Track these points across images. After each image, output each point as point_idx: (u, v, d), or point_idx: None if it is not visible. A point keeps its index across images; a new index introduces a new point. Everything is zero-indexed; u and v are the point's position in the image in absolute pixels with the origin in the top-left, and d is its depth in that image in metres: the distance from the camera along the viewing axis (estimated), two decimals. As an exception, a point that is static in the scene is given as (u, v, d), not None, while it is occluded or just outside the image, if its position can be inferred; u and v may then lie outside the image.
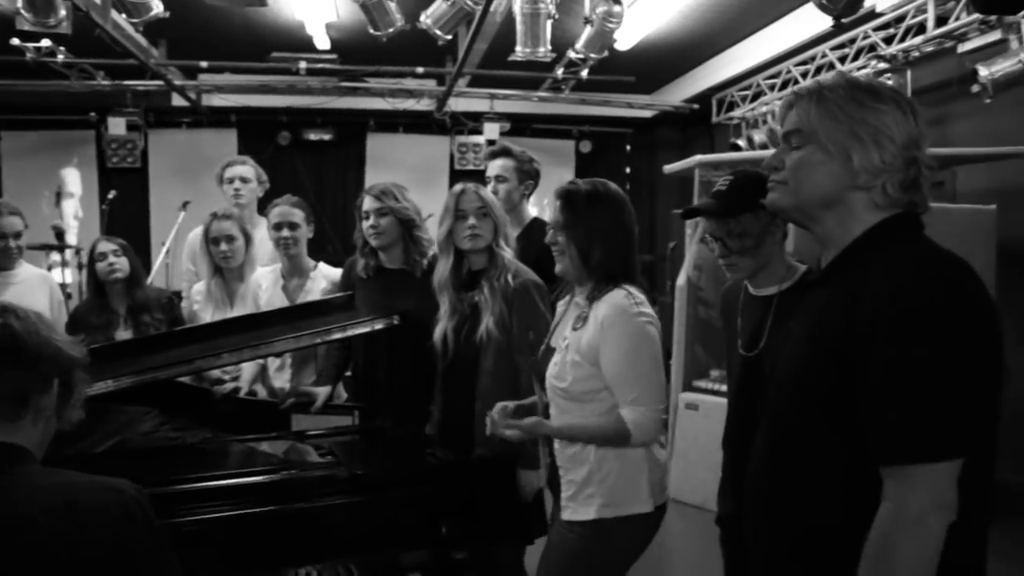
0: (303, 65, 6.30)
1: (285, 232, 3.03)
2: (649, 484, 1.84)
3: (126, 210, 6.81)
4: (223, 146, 7.17)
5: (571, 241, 1.88)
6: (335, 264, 3.13)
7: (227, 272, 3.20)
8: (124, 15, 3.95)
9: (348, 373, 2.92)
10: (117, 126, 6.94)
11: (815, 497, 1.21)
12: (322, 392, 2.67)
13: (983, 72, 4.31)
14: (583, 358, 1.83)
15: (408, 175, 6.48)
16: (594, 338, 1.81)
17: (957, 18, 4.63)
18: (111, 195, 5.83)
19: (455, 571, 2.02)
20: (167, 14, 3.82)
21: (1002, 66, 4.28)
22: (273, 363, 3.08)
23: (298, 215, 3.05)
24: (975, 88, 4.37)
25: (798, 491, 1.23)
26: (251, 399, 2.85)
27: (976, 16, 4.47)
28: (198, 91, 7.00)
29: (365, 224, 2.65)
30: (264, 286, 3.12)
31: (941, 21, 4.71)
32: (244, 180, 3.63)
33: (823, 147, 1.22)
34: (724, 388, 4.37)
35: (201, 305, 3.21)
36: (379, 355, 2.67)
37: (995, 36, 4.53)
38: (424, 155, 7.56)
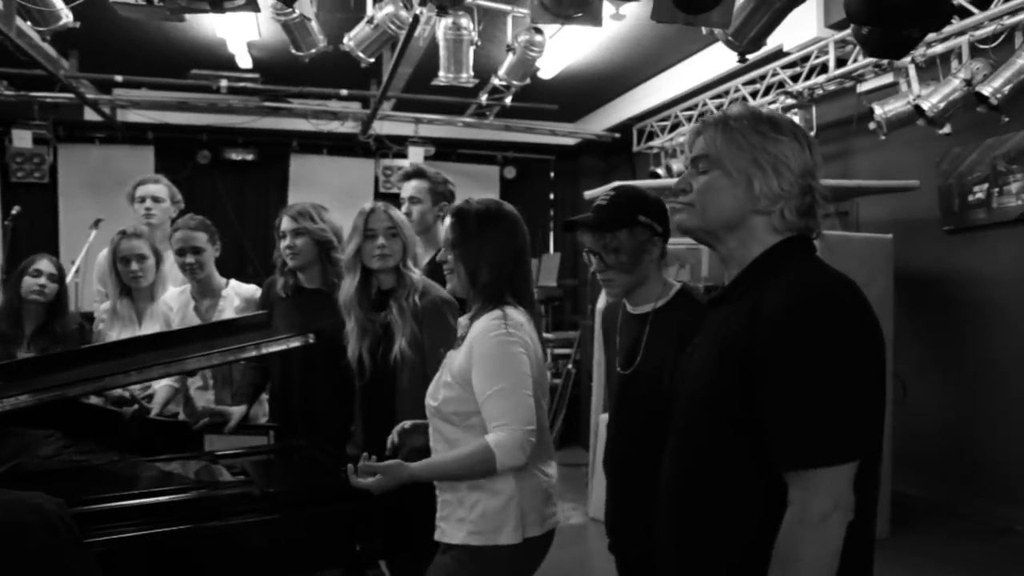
0: (224, 83, 6.21)
1: (189, 258, 2.96)
2: (518, 515, 1.78)
3: (32, 227, 6.54)
4: (139, 163, 6.96)
5: (459, 260, 1.88)
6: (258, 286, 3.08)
7: (136, 292, 3.12)
8: (30, 23, 3.79)
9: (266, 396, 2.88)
10: (22, 139, 6.67)
11: (729, 510, 1.24)
12: (236, 412, 2.63)
13: (878, 111, 4.61)
14: (454, 379, 1.82)
15: (332, 197, 6.42)
16: (466, 360, 1.80)
17: (855, 60, 4.96)
18: (15, 211, 5.57)
19: (369, 589, 2.01)
20: (77, 24, 3.70)
21: (894, 106, 4.59)
22: (194, 383, 3.00)
23: (200, 238, 2.98)
24: (872, 125, 4.67)
25: (712, 505, 1.26)
26: (162, 419, 2.77)
27: (871, 59, 4.80)
28: (112, 106, 6.81)
29: (282, 244, 2.65)
30: (175, 308, 3.05)
31: (841, 62, 5.03)
32: (156, 199, 3.54)
33: (727, 173, 1.29)
34: None
35: (107, 324, 3.11)
36: (295, 374, 2.66)
37: (888, 79, 4.87)
38: (348, 177, 7.53)
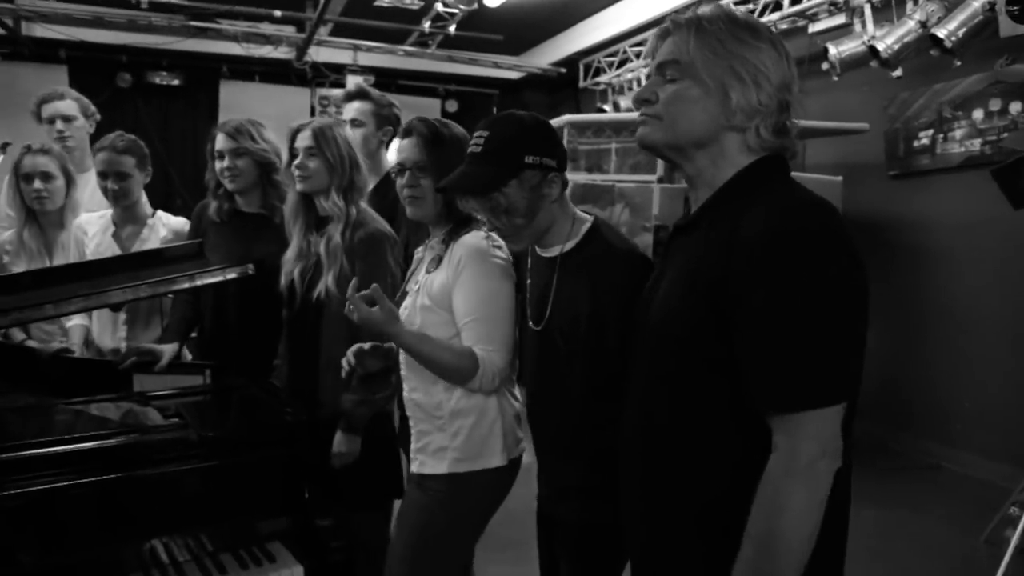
0: (145, -3, 5.74)
1: (112, 183, 2.66)
2: (503, 437, 1.78)
3: (-72, 151, 5.98)
4: (52, 84, 6.39)
5: (437, 182, 1.74)
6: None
7: (43, 218, 2.78)
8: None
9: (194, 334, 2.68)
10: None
11: (702, 455, 1.16)
12: (168, 349, 2.41)
13: (832, 51, 4.54)
14: (433, 301, 1.75)
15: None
16: (448, 279, 1.73)
17: (809, -2, 4.87)
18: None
19: (319, 539, 1.87)
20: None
21: (848, 47, 4.53)
22: (100, 319, 2.74)
23: (127, 163, 2.68)
24: (825, 66, 4.61)
25: (684, 450, 1.18)
26: (84, 359, 2.54)
27: (827, -3, 4.73)
28: (16, 17, 6.19)
29: (218, 165, 2.45)
30: (91, 233, 2.75)
31: (795, 0, 4.92)
32: (67, 119, 3.16)
33: (701, 82, 1.17)
34: None
35: (11, 258, 2.78)
36: (232, 308, 2.49)
37: (841, 19, 4.81)
38: (282, 107, 7.17)
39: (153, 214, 2.82)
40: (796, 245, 1.05)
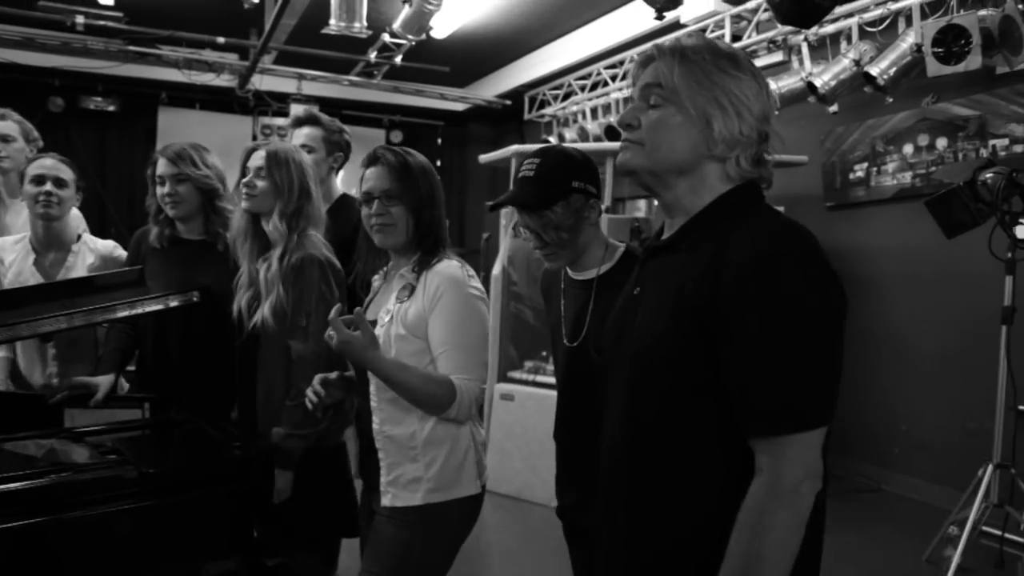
0: (80, 20, 5.53)
1: (49, 187, 2.50)
2: (476, 464, 1.81)
3: None
4: (-23, 107, 6.13)
5: (407, 209, 1.79)
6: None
7: None
8: None
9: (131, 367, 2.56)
10: None
11: (687, 477, 1.15)
12: (104, 382, 2.28)
13: (772, 86, 4.66)
14: (408, 330, 1.75)
15: (205, 153, 5.95)
16: (424, 308, 1.75)
17: (749, 36, 5.01)
18: None
19: (267, 580, 1.76)
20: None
21: (787, 82, 4.68)
22: (27, 351, 2.57)
23: (67, 173, 2.57)
24: (764, 99, 4.73)
25: (668, 473, 1.16)
26: (10, 392, 2.40)
27: (765, 36, 4.86)
28: (-59, 37, 5.94)
29: (159, 191, 2.39)
30: (7, 260, 2.58)
31: (736, 38, 5.06)
32: (5, 139, 3.00)
33: (684, 109, 1.17)
34: (538, 379, 4.47)
35: None
36: (174, 337, 2.39)
37: (779, 56, 4.98)
38: (223, 135, 6.99)
39: (78, 238, 2.67)
40: (785, 269, 1.07)
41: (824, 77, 4.40)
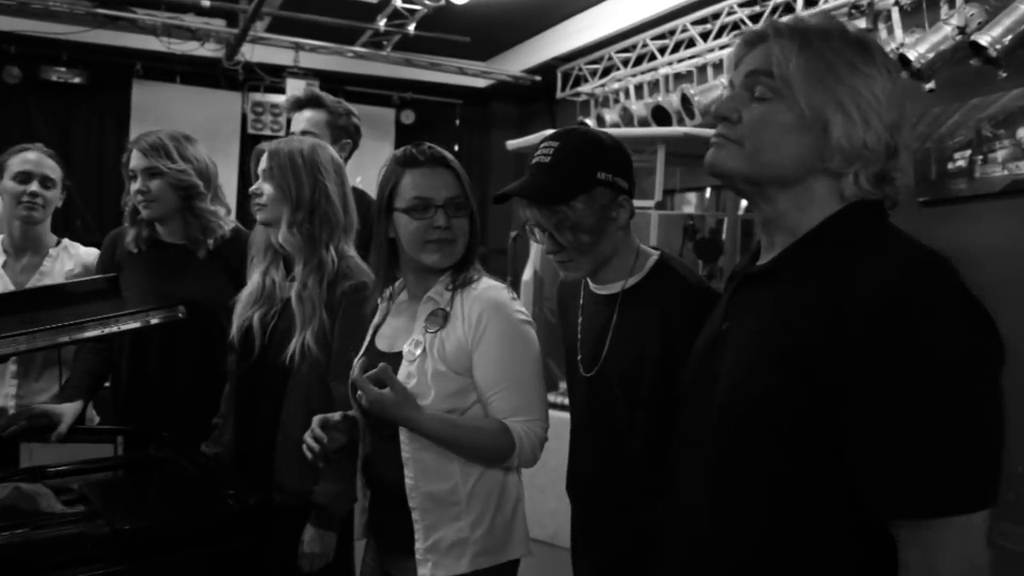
0: (42, -21, 5.54)
1: (35, 187, 2.60)
2: (525, 522, 1.85)
3: None
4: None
5: (469, 220, 1.83)
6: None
7: None
8: None
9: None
10: None
11: (807, 566, 1.09)
12: (69, 411, 2.26)
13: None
14: (449, 367, 1.74)
15: (186, 136, 5.95)
16: (466, 339, 1.75)
17: (826, 0, 4.86)
18: None
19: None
20: None
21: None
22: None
23: (55, 170, 2.68)
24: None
25: (780, 557, 1.11)
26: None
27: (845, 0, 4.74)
28: None
29: (132, 187, 2.45)
30: None
31: (810, 2, 4.92)
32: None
33: (796, 108, 1.13)
34: None
35: None
36: (153, 358, 2.44)
37: (863, 23, 4.82)
38: (208, 114, 7.05)
39: (58, 243, 2.75)
40: (928, 313, 1.01)
41: (920, 48, 4.27)
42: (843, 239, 1.12)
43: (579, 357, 1.76)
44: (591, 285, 1.78)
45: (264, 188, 2.14)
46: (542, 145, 1.67)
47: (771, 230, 1.21)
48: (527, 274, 4.74)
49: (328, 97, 2.98)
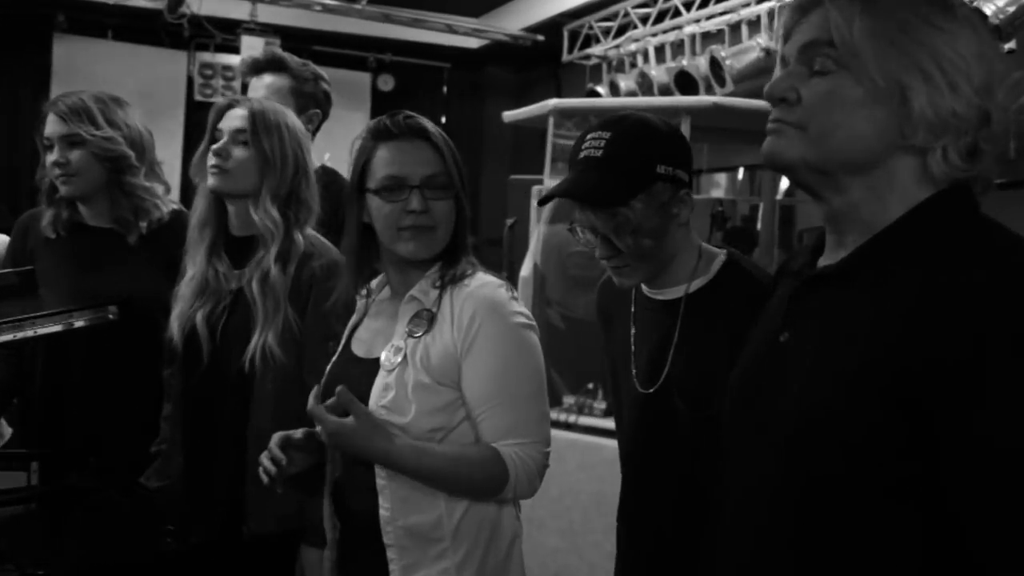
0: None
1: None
2: (521, 563, 1.84)
3: None
4: None
5: (453, 204, 1.81)
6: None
7: None
8: None
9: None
10: None
11: None
12: None
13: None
14: (434, 378, 1.74)
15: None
16: (454, 347, 1.75)
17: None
18: None
19: None
20: None
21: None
22: None
23: None
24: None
25: None
26: None
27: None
28: None
29: (49, 159, 2.44)
30: None
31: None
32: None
33: (866, 79, 1.13)
34: (583, 421, 4.42)
35: None
36: (76, 369, 2.42)
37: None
38: (147, 76, 7.08)
39: None
40: None
41: (998, 2, 4.27)
42: (932, 236, 1.13)
43: (634, 371, 1.81)
44: (645, 290, 1.83)
45: (235, 152, 2.15)
46: (589, 137, 1.73)
47: (841, 225, 1.21)
48: (526, 269, 4.75)
49: (292, 59, 3.01)
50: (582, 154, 1.72)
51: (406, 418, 1.73)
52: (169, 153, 2.35)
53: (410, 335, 1.78)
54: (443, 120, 8.24)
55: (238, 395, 2.14)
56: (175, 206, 2.57)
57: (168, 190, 2.59)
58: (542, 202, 1.90)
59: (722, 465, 1.33)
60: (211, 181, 2.17)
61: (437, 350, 1.75)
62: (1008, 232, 1.12)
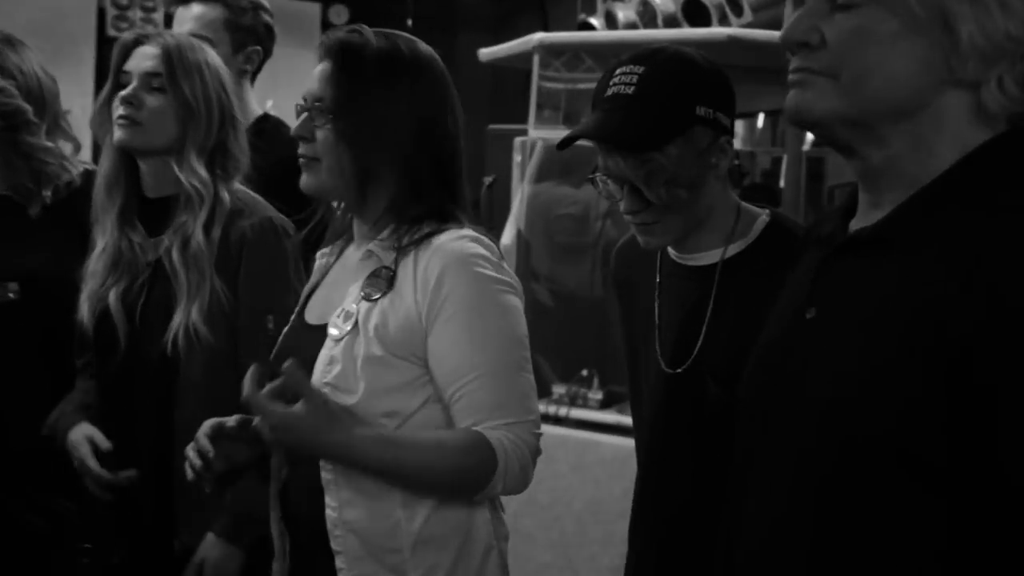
0: None
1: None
2: (501, 568, 1.83)
3: None
4: None
5: (343, 139, 1.77)
6: None
7: None
8: None
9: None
10: None
11: None
12: None
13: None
14: (389, 349, 1.72)
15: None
16: (418, 310, 1.72)
17: None
18: None
19: None
20: None
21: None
22: None
23: None
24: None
25: None
26: None
27: None
28: None
29: None
30: None
31: None
32: None
33: (901, 8, 1.14)
34: (575, 414, 4.45)
35: None
36: None
37: None
38: (48, 8, 7.07)
39: None
40: None
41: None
42: (991, 186, 1.14)
43: (658, 349, 1.84)
44: (673, 254, 1.87)
45: (147, 99, 2.16)
46: (619, 72, 1.74)
47: (880, 183, 1.23)
48: (507, 236, 4.75)
49: None
50: (610, 91, 1.73)
51: (353, 397, 1.71)
52: (77, 102, 2.30)
53: (366, 298, 1.76)
54: (408, 59, 8.26)
55: (161, 384, 2.16)
56: (87, 166, 2.56)
57: (78, 148, 2.60)
58: (561, 145, 1.81)
59: (737, 456, 1.36)
60: (119, 135, 2.17)
61: (397, 316, 1.73)
62: None
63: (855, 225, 1.26)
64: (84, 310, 2.21)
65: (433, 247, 1.74)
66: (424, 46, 1.89)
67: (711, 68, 1.79)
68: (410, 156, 1.78)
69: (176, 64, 2.17)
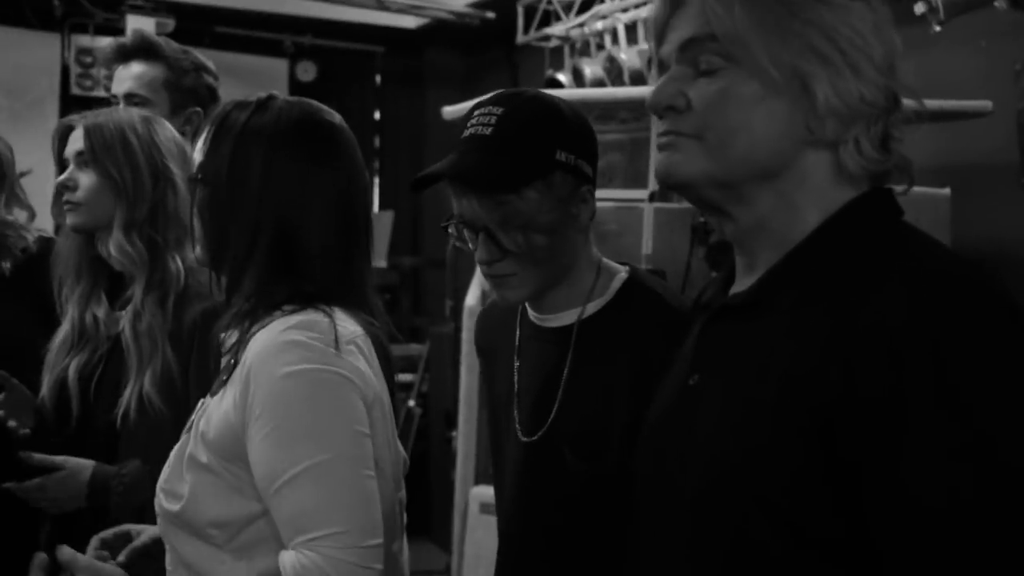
0: None
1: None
2: None
3: None
4: None
5: (209, 214, 1.70)
6: None
7: None
8: None
9: None
10: None
11: None
12: None
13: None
14: (214, 454, 1.59)
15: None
16: (235, 414, 1.57)
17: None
18: None
19: None
20: None
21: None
22: None
23: None
24: (919, 8, 4.66)
25: None
26: None
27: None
28: None
29: None
30: None
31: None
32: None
33: (760, 71, 1.18)
34: None
35: None
36: None
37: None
38: (12, 65, 7.11)
39: None
40: (985, 349, 1.05)
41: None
42: (851, 249, 1.17)
43: (515, 415, 1.77)
44: (532, 315, 1.80)
45: (80, 179, 2.18)
46: (478, 112, 1.69)
47: (751, 244, 1.26)
48: (471, 296, 4.71)
49: (169, 44, 3.01)
50: (468, 131, 1.68)
51: (178, 505, 1.61)
52: (39, 159, 2.30)
53: (212, 393, 1.68)
54: (376, 116, 8.28)
55: (109, 451, 2.15)
56: (40, 233, 2.57)
57: (33, 216, 2.61)
58: (416, 184, 1.72)
59: (631, 531, 1.35)
60: (67, 220, 2.20)
61: (218, 418, 1.60)
62: (924, 237, 1.17)
63: (734, 289, 1.28)
64: (44, 382, 2.22)
65: (253, 340, 1.61)
66: (327, 115, 1.76)
67: (575, 115, 1.73)
68: (266, 235, 1.65)
69: (95, 140, 2.18)
